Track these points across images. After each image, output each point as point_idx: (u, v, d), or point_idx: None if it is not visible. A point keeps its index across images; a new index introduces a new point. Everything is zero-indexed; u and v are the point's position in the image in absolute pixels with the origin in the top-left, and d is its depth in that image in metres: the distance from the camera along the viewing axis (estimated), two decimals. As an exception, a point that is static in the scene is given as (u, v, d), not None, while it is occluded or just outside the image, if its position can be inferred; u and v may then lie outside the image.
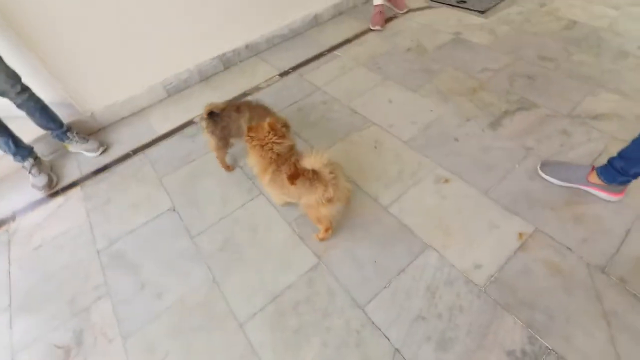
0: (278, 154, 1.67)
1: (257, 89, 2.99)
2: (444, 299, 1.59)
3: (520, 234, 1.77)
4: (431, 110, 2.51)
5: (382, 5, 3.43)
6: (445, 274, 1.67)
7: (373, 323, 1.56)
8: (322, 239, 1.85)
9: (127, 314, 1.75)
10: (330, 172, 1.53)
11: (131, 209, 2.23)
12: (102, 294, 1.85)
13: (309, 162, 1.52)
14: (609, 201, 1.83)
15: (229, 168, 2.35)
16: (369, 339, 1.52)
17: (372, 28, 3.46)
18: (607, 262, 1.62)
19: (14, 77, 2.20)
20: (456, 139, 2.29)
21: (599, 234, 1.72)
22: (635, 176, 1.69)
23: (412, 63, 2.97)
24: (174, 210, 2.18)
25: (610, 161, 1.75)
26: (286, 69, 3.13)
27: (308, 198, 1.59)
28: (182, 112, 2.91)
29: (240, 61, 3.33)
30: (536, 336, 1.45)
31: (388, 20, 3.55)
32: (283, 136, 1.69)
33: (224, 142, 2.13)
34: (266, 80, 3.06)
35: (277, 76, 3.09)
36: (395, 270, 1.71)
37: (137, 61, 2.79)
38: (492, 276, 1.64)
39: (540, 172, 1.99)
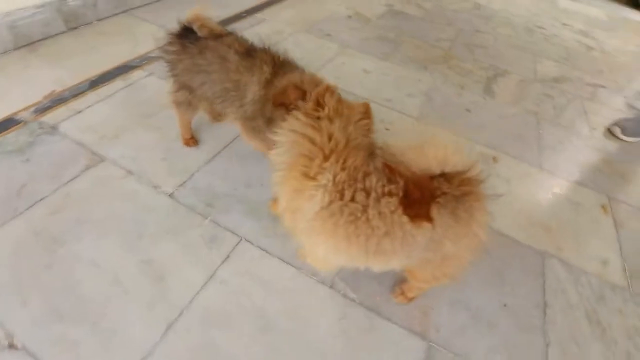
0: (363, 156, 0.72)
1: (146, 59, 1.73)
2: (613, 324, 1.04)
3: (604, 207, 1.44)
4: (419, 80, 1.99)
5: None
6: (587, 288, 1.13)
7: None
8: (411, 299, 0.98)
9: None
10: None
11: None
12: None
13: (434, 156, 0.65)
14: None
15: (190, 142, 1.32)
16: None
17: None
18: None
19: None
20: (468, 110, 1.84)
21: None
22: None
23: (362, 31, 2.39)
24: None
25: None
26: (193, 32, 1.97)
27: (453, 242, 0.70)
28: (-21, 104, 1.35)
29: (99, 19, 1.92)
30: None
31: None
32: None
33: (184, 96, 1.10)
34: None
35: (179, 42, 1.90)
36: (537, 308, 1.05)
37: None
38: (625, 269, 1.21)
39: (624, 137, 1.82)
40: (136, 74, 1.63)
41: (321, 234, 0.71)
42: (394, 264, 0.75)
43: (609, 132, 1.87)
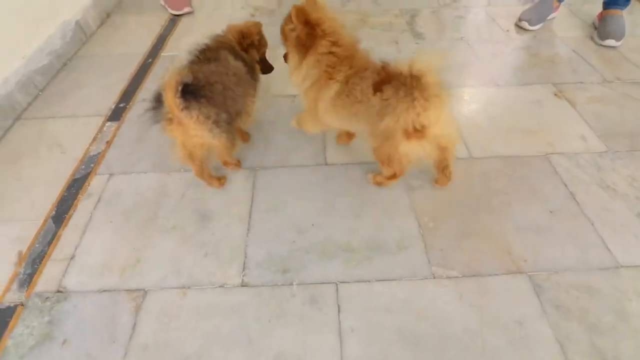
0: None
1: (93, 157, 1.49)
2: (616, 181, 1.32)
3: (556, 94, 1.72)
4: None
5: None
6: (586, 165, 1.39)
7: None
8: (379, 182, 1.32)
9: None
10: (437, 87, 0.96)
11: None
12: None
13: (415, 63, 0.94)
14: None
15: (237, 163, 1.43)
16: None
17: (177, 12, 2.44)
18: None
19: None
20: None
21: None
22: None
23: (274, 25, 2.30)
24: None
25: None
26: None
27: (391, 118, 1.01)
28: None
29: (-3, 144, 1.56)
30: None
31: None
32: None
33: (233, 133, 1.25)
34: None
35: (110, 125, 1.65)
36: (570, 200, 1.28)
37: None
38: (598, 136, 1.50)
39: (532, 28, 2.13)
40: (96, 183, 1.41)
41: (331, 106, 1.17)
42: (362, 125, 1.17)
43: (520, 27, 2.17)
